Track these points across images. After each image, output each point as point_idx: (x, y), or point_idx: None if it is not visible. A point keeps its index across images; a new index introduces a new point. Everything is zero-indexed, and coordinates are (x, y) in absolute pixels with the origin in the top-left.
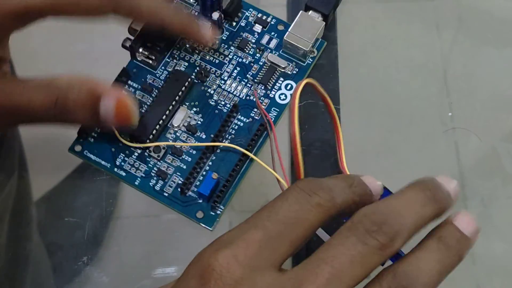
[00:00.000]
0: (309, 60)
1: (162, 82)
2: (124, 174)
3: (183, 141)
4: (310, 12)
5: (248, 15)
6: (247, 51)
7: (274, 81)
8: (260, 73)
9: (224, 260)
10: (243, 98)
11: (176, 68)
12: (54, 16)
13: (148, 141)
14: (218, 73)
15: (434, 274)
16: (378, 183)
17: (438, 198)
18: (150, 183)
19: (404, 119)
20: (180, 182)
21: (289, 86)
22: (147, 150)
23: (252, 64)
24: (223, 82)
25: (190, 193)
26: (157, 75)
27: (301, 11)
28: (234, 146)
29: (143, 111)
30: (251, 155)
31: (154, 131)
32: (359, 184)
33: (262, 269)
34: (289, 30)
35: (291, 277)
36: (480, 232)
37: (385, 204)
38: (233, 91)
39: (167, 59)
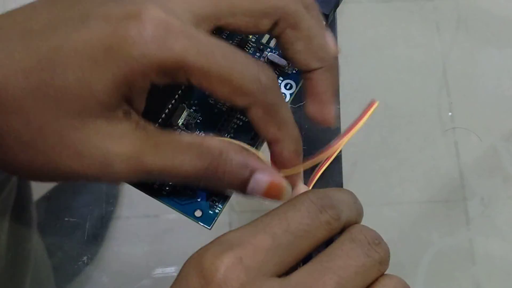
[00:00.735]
0: None
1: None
2: None
3: None
4: None
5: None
6: (247, 50)
7: None
8: None
9: (229, 262)
10: None
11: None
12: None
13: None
14: None
15: None
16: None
17: None
18: (154, 185)
19: (404, 119)
20: None
21: (289, 85)
22: None
23: None
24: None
25: (188, 191)
26: None
27: None
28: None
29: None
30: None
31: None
32: (359, 204)
33: (267, 276)
34: None
35: (297, 283)
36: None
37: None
38: None
39: None
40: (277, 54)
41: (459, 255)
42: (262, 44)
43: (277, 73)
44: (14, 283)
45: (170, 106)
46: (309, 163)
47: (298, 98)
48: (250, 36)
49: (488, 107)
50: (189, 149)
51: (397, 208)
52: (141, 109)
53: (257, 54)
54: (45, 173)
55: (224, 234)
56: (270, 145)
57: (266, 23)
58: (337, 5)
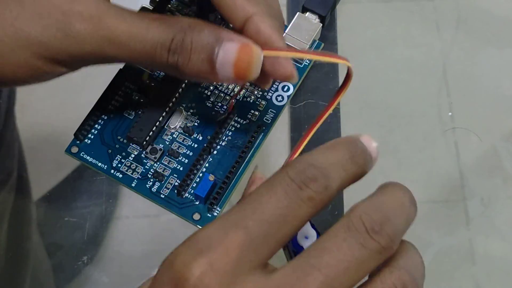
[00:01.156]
0: (306, 62)
1: (159, 83)
2: (120, 176)
3: (180, 143)
4: (307, 13)
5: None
6: None
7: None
8: None
9: (198, 270)
10: (240, 99)
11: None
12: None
13: (144, 143)
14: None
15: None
16: (374, 144)
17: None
18: (147, 185)
19: (404, 119)
20: (176, 183)
21: (286, 87)
22: (144, 152)
23: None
24: (220, 84)
25: (186, 195)
26: (153, 76)
27: (298, 13)
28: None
29: (140, 112)
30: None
31: (151, 133)
32: (362, 152)
33: (244, 274)
34: (286, 31)
35: (278, 284)
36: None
37: (381, 199)
38: (230, 93)
39: None
40: None
41: (459, 255)
42: None
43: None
44: (14, 283)
45: (167, 109)
46: (296, 52)
47: (297, 99)
48: None
49: (488, 107)
50: (157, 18)
51: None
52: None
53: None
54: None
55: (195, 233)
56: (244, 27)
57: None
58: (334, 6)
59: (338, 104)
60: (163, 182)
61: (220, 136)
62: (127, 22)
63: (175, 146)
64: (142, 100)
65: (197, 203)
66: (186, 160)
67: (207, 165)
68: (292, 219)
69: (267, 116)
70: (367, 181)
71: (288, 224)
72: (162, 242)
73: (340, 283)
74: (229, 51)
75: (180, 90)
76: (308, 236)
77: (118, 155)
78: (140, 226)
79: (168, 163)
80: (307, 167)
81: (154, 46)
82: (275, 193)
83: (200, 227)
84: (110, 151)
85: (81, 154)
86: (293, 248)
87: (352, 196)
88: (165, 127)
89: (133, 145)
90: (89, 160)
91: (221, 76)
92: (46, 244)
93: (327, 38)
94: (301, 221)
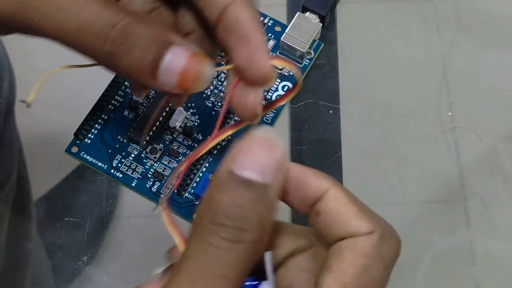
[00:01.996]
0: (306, 62)
1: None
2: (120, 175)
3: (180, 143)
4: (307, 13)
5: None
6: None
7: None
8: None
9: None
10: None
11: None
12: None
13: (144, 143)
14: (214, 75)
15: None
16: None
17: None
18: (147, 185)
19: (404, 119)
20: None
21: (286, 87)
22: (144, 152)
23: None
24: (220, 83)
25: (186, 194)
26: None
27: (298, 13)
28: None
29: (140, 112)
30: None
31: (151, 133)
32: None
33: None
34: (286, 31)
35: None
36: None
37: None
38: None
39: None
40: (274, 56)
41: (459, 255)
42: None
43: (275, 75)
44: (14, 282)
45: (167, 109)
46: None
47: (297, 99)
48: None
49: (488, 107)
50: (102, 1)
51: (397, 208)
52: None
53: None
54: None
55: None
56: (221, 17)
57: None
58: (334, 6)
59: (338, 104)
60: (163, 182)
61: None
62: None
63: (175, 146)
64: (142, 100)
65: (197, 203)
66: None
67: (207, 165)
68: None
69: (267, 116)
70: (368, 181)
71: None
72: (162, 242)
73: None
74: (178, 57)
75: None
76: None
77: (118, 155)
78: (140, 226)
79: (168, 163)
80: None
81: (89, 25)
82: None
83: None
84: (110, 151)
85: (81, 154)
86: None
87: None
88: (165, 127)
89: (133, 145)
90: (89, 160)
91: (160, 82)
92: (46, 244)
93: (327, 38)
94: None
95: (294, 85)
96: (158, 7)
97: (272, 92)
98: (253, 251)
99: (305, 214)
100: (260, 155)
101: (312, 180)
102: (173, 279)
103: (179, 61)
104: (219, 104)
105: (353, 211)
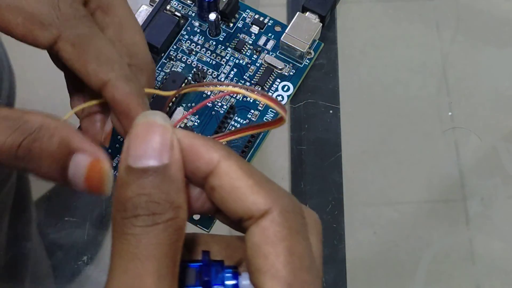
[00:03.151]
0: (306, 62)
1: (159, 83)
2: None
3: None
4: (307, 13)
5: (245, 16)
6: (244, 52)
7: (271, 82)
8: (257, 75)
9: None
10: (240, 99)
11: (172, 69)
12: None
13: None
14: (215, 74)
15: None
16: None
17: None
18: None
19: (404, 119)
20: None
21: (286, 87)
22: None
23: (249, 66)
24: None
25: None
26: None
27: (298, 13)
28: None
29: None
30: None
31: None
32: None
33: None
34: (286, 31)
35: None
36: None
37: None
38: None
39: (164, 60)
40: (274, 56)
41: (459, 255)
42: (259, 46)
43: (275, 75)
44: (14, 282)
45: (167, 109)
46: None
47: (297, 99)
48: (247, 38)
49: (488, 107)
50: (3, 120)
51: (397, 208)
52: None
53: (254, 56)
54: None
55: None
56: (102, 94)
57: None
58: (334, 6)
59: (338, 104)
60: None
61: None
62: None
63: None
64: None
65: None
66: None
67: None
68: None
69: (267, 116)
70: (368, 181)
71: None
72: None
73: None
74: (79, 165)
75: (174, 99)
76: None
77: (118, 155)
78: None
79: None
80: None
81: None
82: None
83: (200, 227)
84: (110, 150)
85: None
86: None
87: (352, 196)
88: None
89: None
90: None
91: (75, 187)
92: (46, 244)
93: (327, 38)
94: None
95: (277, 120)
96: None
97: (272, 92)
98: (173, 228)
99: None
100: (148, 140)
101: (203, 152)
102: (109, 278)
103: (80, 170)
104: (219, 104)
105: (247, 186)
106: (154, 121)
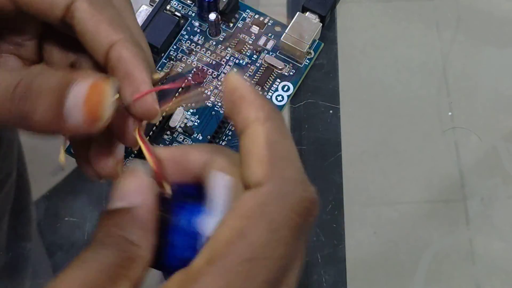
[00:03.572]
0: (306, 62)
1: (159, 83)
2: None
3: (180, 143)
4: (307, 13)
5: (245, 16)
6: (244, 52)
7: (271, 82)
8: (257, 75)
9: None
10: None
11: (172, 69)
12: None
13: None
14: (215, 74)
15: None
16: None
17: None
18: None
19: (404, 119)
20: None
21: (286, 87)
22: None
23: (249, 65)
24: (220, 83)
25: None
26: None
27: (298, 13)
28: None
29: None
30: None
31: (151, 133)
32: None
33: None
34: (286, 31)
35: None
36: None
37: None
38: None
39: (164, 60)
40: (274, 56)
41: (459, 255)
42: (259, 46)
43: (275, 75)
44: (14, 283)
45: (167, 109)
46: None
47: (297, 99)
48: (247, 38)
49: (488, 107)
50: (6, 70)
51: (397, 208)
52: None
53: (254, 56)
54: None
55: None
56: (107, 56)
57: None
58: (334, 6)
59: (338, 104)
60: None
61: (220, 136)
62: None
63: (175, 146)
64: None
65: None
66: None
67: None
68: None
69: None
70: (368, 181)
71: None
72: None
73: None
74: (79, 91)
75: (180, 89)
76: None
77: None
78: None
79: None
80: (305, 186)
81: None
82: (283, 240)
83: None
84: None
85: None
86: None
87: (352, 196)
88: (165, 126)
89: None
90: None
91: (69, 124)
92: (46, 244)
93: (327, 38)
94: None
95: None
96: (77, 60)
97: (272, 92)
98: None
99: None
100: (124, 185)
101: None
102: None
103: (80, 95)
104: (219, 103)
105: (260, 154)
106: (134, 169)
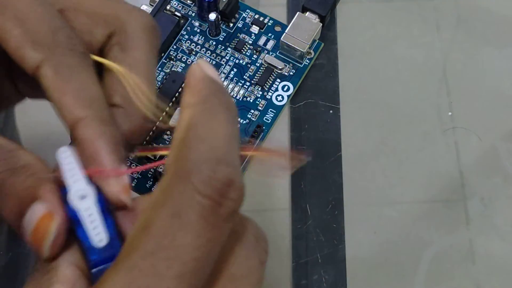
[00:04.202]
0: (306, 62)
1: (159, 83)
2: None
3: None
4: (307, 13)
5: (245, 16)
6: (244, 52)
7: (271, 82)
8: (257, 75)
9: None
10: (240, 99)
11: (172, 69)
12: None
13: (144, 142)
14: None
15: None
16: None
17: None
18: (147, 185)
19: (404, 119)
20: None
21: (286, 87)
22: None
23: (249, 66)
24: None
25: None
26: None
27: (298, 12)
28: None
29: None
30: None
31: (151, 133)
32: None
33: None
34: (286, 31)
35: None
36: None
37: None
38: (230, 93)
39: (164, 60)
40: (274, 56)
41: (459, 255)
42: (259, 46)
43: (275, 75)
44: (14, 282)
45: (167, 109)
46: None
47: (297, 99)
48: (247, 38)
49: (488, 107)
50: None
51: (397, 208)
52: None
53: (254, 56)
54: None
55: None
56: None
57: (100, 32)
58: (334, 6)
59: (338, 104)
60: None
61: None
62: None
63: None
64: None
65: None
66: None
67: None
68: (217, 250)
69: (267, 116)
70: (368, 181)
71: (214, 259)
72: None
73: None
74: (34, 214)
75: (180, 89)
76: (84, 195)
77: None
78: None
79: None
80: (214, 166)
81: None
82: (189, 226)
83: None
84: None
85: None
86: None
87: (352, 195)
88: (163, 128)
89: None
90: None
91: (24, 237)
92: None
93: (327, 38)
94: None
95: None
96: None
97: (272, 92)
98: None
99: None
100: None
101: None
102: None
103: (32, 220)
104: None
105: None
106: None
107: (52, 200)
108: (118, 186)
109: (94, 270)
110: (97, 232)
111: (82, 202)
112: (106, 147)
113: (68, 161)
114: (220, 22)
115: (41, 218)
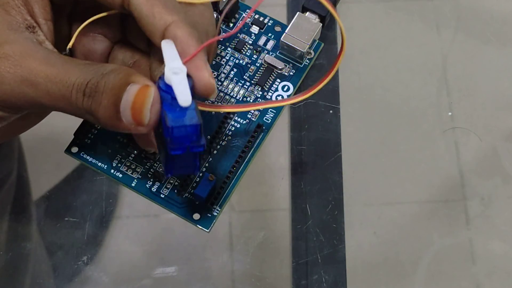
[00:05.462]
0: (306, 62)
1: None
2: (120, 175)
3: None
4: (307, 13)
5: (245, 16)
6: (244, 52)
7: (271, 82)
8: (257, 75)
9: None
10: (240, 99)
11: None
12: None
13: None
14: (214, 75)
15: None
16: None
17: None
18: (147, 185)
19: (404, 119)
20: (177, 183)
21: (286, 87)
22: (144, 152)
23: (249, 66)
24: (219, 83)
25: (186, 194)
26: None
27: (298, 13)
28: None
29: None
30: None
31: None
32: None
33: None
34: (286, 31)
35: None
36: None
37: None
38: (230, 93)
39: None
40: (274, 56)
41: (459, 255)
42: (259, 46)
43: (275, 75)
44: (14, 282)
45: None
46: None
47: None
48: (247, 38)
49: (488, 107)
50: (85, 63)
51: (397, 208)
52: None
53: (254, 56)
54: None
55: None
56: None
57: None
58: (333, 6)
59: (338, 104)
60: (163, 182)
61: (220, 136)
62: (49, 64)
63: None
64: None
65: (197, 203)
66: None
67: (207, 165)
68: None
69: (267, 116)
70: (368, 181)
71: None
72: (162, 242)
73: None
74: (129, 95)
75: None
76: (178, 71)
77: (118, 155)
78: (140, 226)
79: None
80: None
81: (69, 88)
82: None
83: (200, 227)
84: (110, 151)
85: (81, 154)
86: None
87: (352, 195)
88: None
89: (133, 145)
90: (89, 160)
91: (124, 123)
92: (46, 244)
93: (327, 38)
94: None
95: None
96: (138, 60)
97: (272, 92)
98: None
99: None
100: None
101: None
102: None
103: (129, 98)
104: (219, 104)
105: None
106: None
107: (145, 78)
108: (208, 72)
109: (172, 152)
110: (184, 95)
111: (176, 76)
112: (195, 43)
113: (168, 46)
114: (220, 22)
115: (138, 91)
